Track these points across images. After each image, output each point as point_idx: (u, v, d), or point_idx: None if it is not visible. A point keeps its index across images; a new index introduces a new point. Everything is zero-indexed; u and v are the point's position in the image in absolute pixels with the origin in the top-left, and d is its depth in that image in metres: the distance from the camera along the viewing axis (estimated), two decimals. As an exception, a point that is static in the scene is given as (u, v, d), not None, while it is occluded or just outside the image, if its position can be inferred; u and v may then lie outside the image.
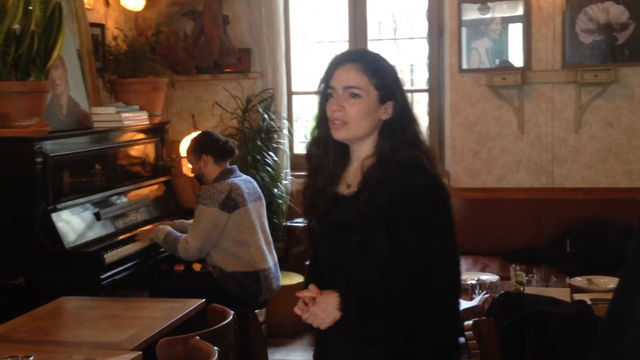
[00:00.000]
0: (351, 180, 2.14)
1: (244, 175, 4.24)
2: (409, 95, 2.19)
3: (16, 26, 3.56)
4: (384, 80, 2.10)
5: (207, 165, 4.15)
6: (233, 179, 4.08)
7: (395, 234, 1.99)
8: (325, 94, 2.14)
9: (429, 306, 2.01)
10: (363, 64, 2.10)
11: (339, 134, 2.10)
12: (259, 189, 4.25)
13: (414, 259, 1.99)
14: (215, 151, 4.14)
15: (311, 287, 2.08)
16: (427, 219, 2.01)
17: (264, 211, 4.23)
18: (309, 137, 2.33)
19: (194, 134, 5.07)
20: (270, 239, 4.22)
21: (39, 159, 3.61)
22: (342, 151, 2.17)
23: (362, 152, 2.13)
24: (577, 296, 3.49)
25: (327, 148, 2.17)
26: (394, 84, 2.12)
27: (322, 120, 2.16)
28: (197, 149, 4.18)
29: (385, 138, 2.10)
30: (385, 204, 1.99)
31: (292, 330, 4.86)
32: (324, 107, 2.14)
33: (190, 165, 4.42)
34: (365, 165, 2.10)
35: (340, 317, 2.01)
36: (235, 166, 4.22)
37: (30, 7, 3.58)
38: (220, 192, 3.99)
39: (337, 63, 2.13)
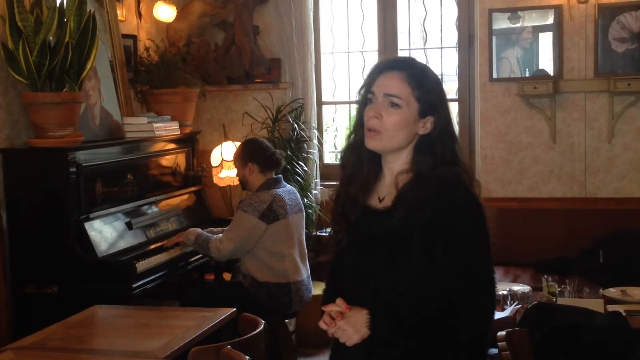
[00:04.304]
0: (384, 193, 2.07)
1: (288, 186, 4.24)
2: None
3: (51, 38, 3.61)
4: (427, 93, 2.02)
5: (251, 173, 4.14)
6: (277, 189, 4.07)
7: (431, 252, 1.91)
8: (365, 99, 2.07)
9: (461, 329, 1.93)
10: (408, 73, 2.02)
11: (371, 143, 2.03)
12: (300, 201, 4.25)
13: (453, 280, 1.90)
14: (262, 160, 4.14)
15: (339, 301, 1.99)
16: (468, 239, 1.93)
17: (303, 223, 4.24)
18: (344, 144, 2.24)
19: (227, 142, 5.11)
20: (306, 251, 4.21)
21: (72, 169, 3.66)
22: (376, 160, 2.10)
23: (396, 164, 2.06)
24: (611, 307, 3.45)
25: (361, 155, 2.10)
26: (437, 98, 2.03)
27: (359, 126, 2.09)
28: (244, 155, 4.18)
29: (424, 155, 2.02)
30: (424, 221, 1.92)
31: (321, 340, 4.84)
32: (362, 113, 2.07)
33: (235, 170, 4.45)
34: (400, 181, 2.03)
35: (369, 335, 1.93)
36: (280, 176, 4.21)
37: (65, 19, 3.64)
38: (262, 202, 3.99)
39: (382, 69, 2.06)
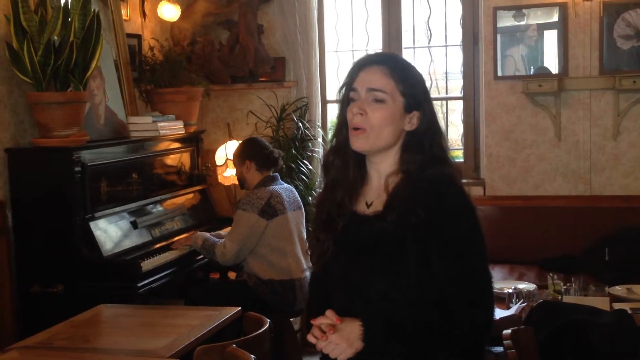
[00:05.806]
0: (371, 198, 1.99)
1: (285, 184, 4.28)
2: (443, 103, 2.05)
3: (55, 38, 3.61)
4: (411, 87, 1.95)
5: (249, 171, 4.20)
6: (274, 186, 4.12)
7: (426, 256, 1.85)
8: (347, 97, 1.99)
9: (459, 334, 1.85)
10: (390, 67, 1.96)
11: (357, 144, 1.95)
12: (299, 198, 4.29)
13: (449, 285, 1.84)
14: (259, 159, 4.19)
15: (329, 313, 1.89)
16: (464, 242, 1.86)
17: (303, 220, 4.26)
18: (328, 146, 2.21)
19: (232, 141, 5.12)
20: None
21: (77, 169, 3.66)
22: (361, 163, 2.02)
23: (384, 165, 1.99)
24: (617, 305, 3.44)
25: (346, 157, 2.01)
26: (422, 93, 1.98)
27: (342, 127, 2.00)
28: (242, 153, 4.25)
29: (412, 153, 1.95)
30: (418, 224, 1.84)
31: (327, 338, 4.83)
32: (345, 113, 1.99)
33: (234, 169, 4.48)
34: (390, 183, 1.95)
35: (363, 347, 1.84)
36: (277, 174, 4.26)
37: (70, 19, 3.64)
38: (260, 198, 4.03)
39: (363, 65, 1.99)
